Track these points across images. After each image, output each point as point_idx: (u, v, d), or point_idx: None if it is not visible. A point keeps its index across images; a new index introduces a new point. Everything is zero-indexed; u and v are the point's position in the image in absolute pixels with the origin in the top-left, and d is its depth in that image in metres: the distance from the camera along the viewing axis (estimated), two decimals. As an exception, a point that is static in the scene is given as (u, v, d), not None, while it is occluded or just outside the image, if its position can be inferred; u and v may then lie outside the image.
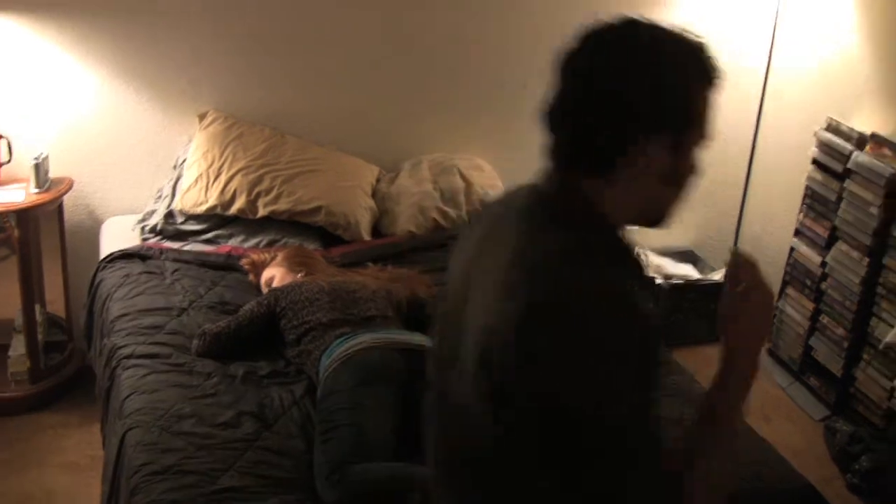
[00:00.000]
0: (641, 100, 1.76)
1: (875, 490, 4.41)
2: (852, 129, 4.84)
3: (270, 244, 4.60)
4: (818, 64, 5.28)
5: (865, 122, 4.88)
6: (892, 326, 4.32)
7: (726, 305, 1.94)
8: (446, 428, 2.01)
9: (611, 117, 1.78)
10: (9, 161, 4.51)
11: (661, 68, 1.78)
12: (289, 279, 4.04)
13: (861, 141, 4.78)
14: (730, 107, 5.71)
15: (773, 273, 5.63)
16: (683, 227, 6.07)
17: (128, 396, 3.38)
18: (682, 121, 1.80)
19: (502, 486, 1.84)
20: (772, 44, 5.41)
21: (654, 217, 1.90)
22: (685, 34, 1.83)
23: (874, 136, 4.72)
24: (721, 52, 5.25)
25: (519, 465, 1.78)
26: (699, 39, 1.83)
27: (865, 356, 4.66)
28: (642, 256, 5.80)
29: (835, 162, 4.91)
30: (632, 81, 1.76)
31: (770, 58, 5.44)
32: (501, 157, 5.42)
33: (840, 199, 4.87)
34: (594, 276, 1.72)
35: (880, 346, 4.47)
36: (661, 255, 5.92)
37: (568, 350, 1.67)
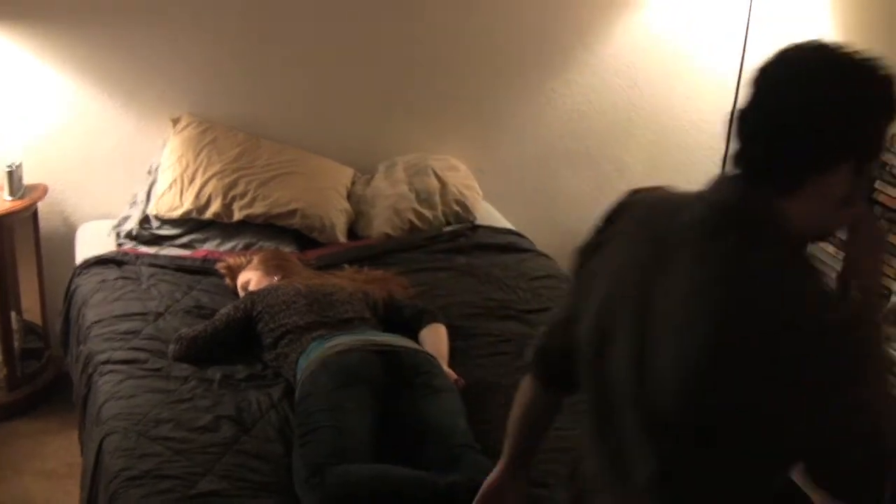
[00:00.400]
0: (838, 128, 1.81)
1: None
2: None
3: (246, 248, 4.59)
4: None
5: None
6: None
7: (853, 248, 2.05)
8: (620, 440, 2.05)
9: (808, 141, 1.83)
10: (-18, 169, 4.49)
11: (857, 99, 1.83)
12: (265, 282, 4.03)
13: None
14: (705, 105, 5.75)
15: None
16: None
17: (105, 402, 3.36)
18: (869, 150, 1.87)
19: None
20: (745, 42, 5.42)
21: (821, 235, 2.00)
22: (877, 65, 1.84)
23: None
24: (695, 47, 5.27)
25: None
26: (888, 72, 1.84)
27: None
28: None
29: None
30: (831, 109, 1.81)
31: (743, 55, 5.44)
32: (476, 157, 5.43)
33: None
34: (826, 293, 1.85)
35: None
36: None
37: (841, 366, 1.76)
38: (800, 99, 1.84)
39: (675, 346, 1.86)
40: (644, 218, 2.04)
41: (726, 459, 1.87)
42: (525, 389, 2.46)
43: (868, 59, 1.84)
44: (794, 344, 1.75)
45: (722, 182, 1.95)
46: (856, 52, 1.84)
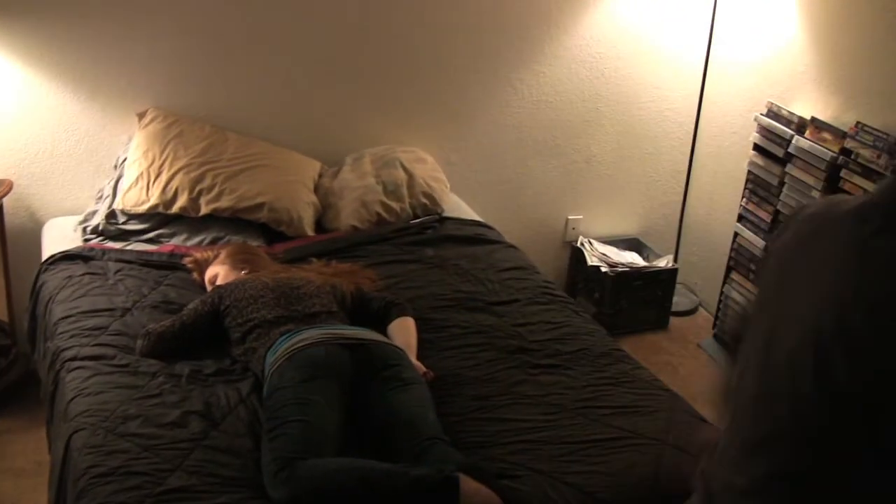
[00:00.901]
0: None
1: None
2: (792, 114, 4.89)
3: (213, 242, 4.58)
4: (758, 51, 5.32)
5: (805, 106, 4.93)
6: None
7: None
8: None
9: None
10: (-54, 164, 4.46)
11: None
12: (232, 277, 4.02)
13: (801, 125, 4.83)
14: (671, 94, 5.78)
15: (717, 258, 5.68)
16: (628, 214, 6.10)
17: (72, 399, 3.34)
18: None
19: None
20: (711, 30, 5.44)
21: None
22: None
23: (814, 121, 4.77)
24: (662, 37, 5.30)
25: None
26: None
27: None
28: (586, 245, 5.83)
29: (776, 146, 4.95)
30: None
31: (710, 44, 5.47)
32: (444, 149, 5.44)
33: (782, 183, 4.92)
34: None
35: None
36: (606, 243, 5.95)
37: None
38: None
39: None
40: (814, 213, 2.01)
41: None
42: None
43: None
44: None
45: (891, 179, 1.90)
46: None
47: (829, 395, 1.70)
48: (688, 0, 5.55)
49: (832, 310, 1.72)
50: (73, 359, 3.57)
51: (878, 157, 4.41)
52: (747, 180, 5.24)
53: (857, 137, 4.51)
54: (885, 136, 4.41)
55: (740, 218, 5.31)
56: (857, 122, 4.56)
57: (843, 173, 4.56)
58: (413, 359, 3.60)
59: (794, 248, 1.90)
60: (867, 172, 4.43)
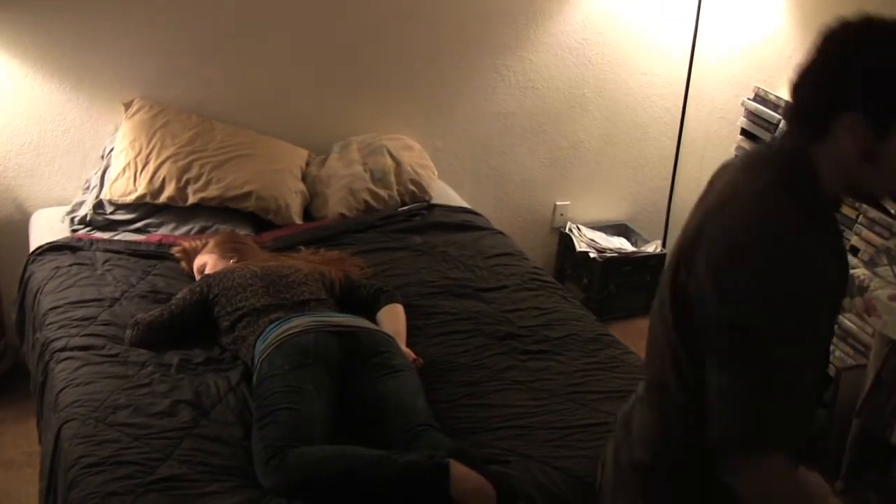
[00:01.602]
0: (852, 79, 1.95)
1: (813, 454, 4.46)
2: (780, 98, 4.89)
3: (202, 231, 4.57)
4: (745, 35, 5.32)
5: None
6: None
7: None
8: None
9: (826, 90, 1.99)
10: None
11: (876, 56, 1.94)
12: (221, 265, 4.02)
13: (788, 109, 4.83)
14: (658, 80, 5.78)
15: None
16: (616, 200, 6.10)
17: (62, 390, 3.34)
18: (881, 105, 1.93)
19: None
20: (697, 16, 5.44)
21: (861, 192, 2.11)
22: None
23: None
24: (648, 23, 5.29)
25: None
26: None
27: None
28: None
29: (763, 131, 4.96)
30: (850, 62, 1.95)
31: (696, 30, 5.47)
32: (431, 136, 5.44)
33: (769, 167, 4.93)
34: (780, 220, 1.96)
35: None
36: (594, 228, 5.96)
37: (750, 283, 1.93)
38: (827, 56, 1.99)
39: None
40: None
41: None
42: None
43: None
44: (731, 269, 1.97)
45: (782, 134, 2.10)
46: None
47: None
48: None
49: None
50: (63, 349, 3.57)
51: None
52: (735, 165, 5.25)
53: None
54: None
55: (728, 202, 5.32)
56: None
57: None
58: (402, 346, 3.61)
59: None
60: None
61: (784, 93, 4.91)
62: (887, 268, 4.08)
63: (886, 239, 4.25)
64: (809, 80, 2.02)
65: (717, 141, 5.63)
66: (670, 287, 2.13)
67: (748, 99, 5.12)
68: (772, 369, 1.92)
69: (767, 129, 4.92)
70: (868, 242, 4.34)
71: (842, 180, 2.03)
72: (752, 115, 5.07)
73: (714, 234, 2.01)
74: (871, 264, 4.08)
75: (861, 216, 4.41)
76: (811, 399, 2.12)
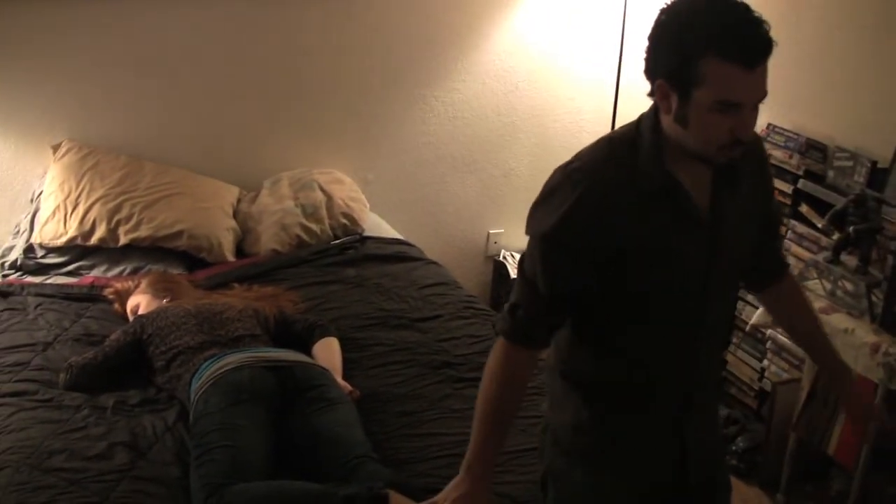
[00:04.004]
0: (656, 52, 2.16)
1: (752, 470, 4.51)
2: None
3: (134, 272, 4.55)
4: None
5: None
6: (756, 308, 4.41)
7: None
8: None
9: (646, 62, 2.19)
10: None
11: (674, 32, 2.11)
12: (154, 305, 4.00)
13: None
14: (586, 105, 5.81)
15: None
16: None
17: (-5, 437, 3.31)
18: (679, 75, 2.10)
19: None
20: (622, 41, 5.48)
21: (692, 151, 2.19)
22: (724, 11, 2.09)
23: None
24: (573, 48, 5.27)
25: None
26: (737, 18, 2.08)
27: (734, 339, 4.76)
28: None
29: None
30: (658, 38, 2.15)
31: (621, 55, 5.51)
32: (362, 168, 5.45)
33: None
34: (594, 156, 2.33)
35: (746, 328, 4.55)
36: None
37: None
38: (651, 33, 2.17)
39: None
40: None
41: None
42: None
43: (720, 5, 2.09)
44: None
45: None
46: (725, 2, 2.10)
47: None
48: (597, 11, 5.61)
49: None
50: (-6, 396, 3.53)
51: (790, 157, 4.49)
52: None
53: (770, 139, 4.58)
54: (795, 137, 4.49)
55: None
56: (769, 124, 4.64)
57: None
58: (338, 378, 3.61)
59: None
60: (780, 173, 4.48)
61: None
62: (817, 281, 4.13)
63: (815, 253, 4.31)
64: (647, 49, 2.20)
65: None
66: None
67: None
68: None
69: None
70: (797, 258, 4.40)
71: (672, 140, 2.20)
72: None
73: None
74: (800, 278, 4.13)
75: (790, 231, 4.47)
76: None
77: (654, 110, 2.24)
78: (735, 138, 2.12)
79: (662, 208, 2.22)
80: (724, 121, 2.10)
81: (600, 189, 2.23)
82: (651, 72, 2.17)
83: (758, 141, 2.47)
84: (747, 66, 2.06)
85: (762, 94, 2.12)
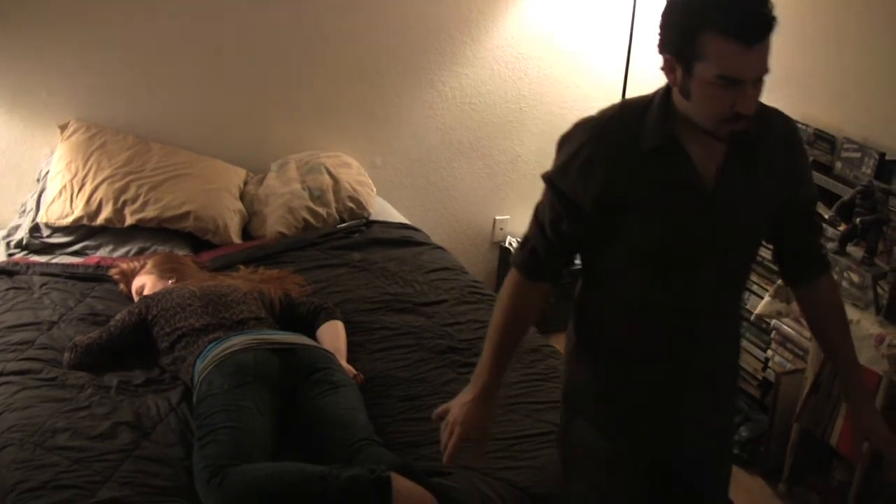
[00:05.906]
0: (663, 29, 2.27)
1: (755, 459, 4.50)
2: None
3: (140, 252, 4.55)
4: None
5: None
6: (761, 298, 4.41)
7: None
8: None
9: (659, 37, 2.30)
10: None
11: (680, 7, 2.21)
12: (159, 286, 4.00)
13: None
14: (594, 93, 5.80)
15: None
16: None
17: (-1, 415, 3.32)
18: (682, 50, 2.19)
19: None
20: (631, 30, 5.47)
21: (698, 123, 2.27)
22: None
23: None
24: (583, 35, 5.26)
25: None
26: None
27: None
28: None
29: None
30: (665, 16, 2.25)
31: (630, 43, 5.50)
32: (369, 153, 5.45)
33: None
34: (605, 113, 2.44)
35: (751, 318, 4.55)
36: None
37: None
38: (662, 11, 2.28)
39: None
40: None
41: None
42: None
43: None
44: None
45: None
46: None
47: None
48: (605, 1, 5.60)
49: None
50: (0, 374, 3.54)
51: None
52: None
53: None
54: (803, 128, 4.48)
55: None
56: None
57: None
58: (343, 362, 3.61)
59: None
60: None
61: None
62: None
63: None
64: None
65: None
66: None
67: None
68: None
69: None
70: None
71: (687, 114, 2.27)
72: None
73: None
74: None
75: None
76: None
77: (668, 85, 2.32)
78: (736, 112, 2.17)
79: (661, 168, 2.30)
80: (725, 95, 2.16)
81: (601, 142, 2.34)
82: (661, 46, 2.27)
83: (788, 123, 2.50)
84: (746, 44, 2.10)
85: (763, 71, 2.16)
